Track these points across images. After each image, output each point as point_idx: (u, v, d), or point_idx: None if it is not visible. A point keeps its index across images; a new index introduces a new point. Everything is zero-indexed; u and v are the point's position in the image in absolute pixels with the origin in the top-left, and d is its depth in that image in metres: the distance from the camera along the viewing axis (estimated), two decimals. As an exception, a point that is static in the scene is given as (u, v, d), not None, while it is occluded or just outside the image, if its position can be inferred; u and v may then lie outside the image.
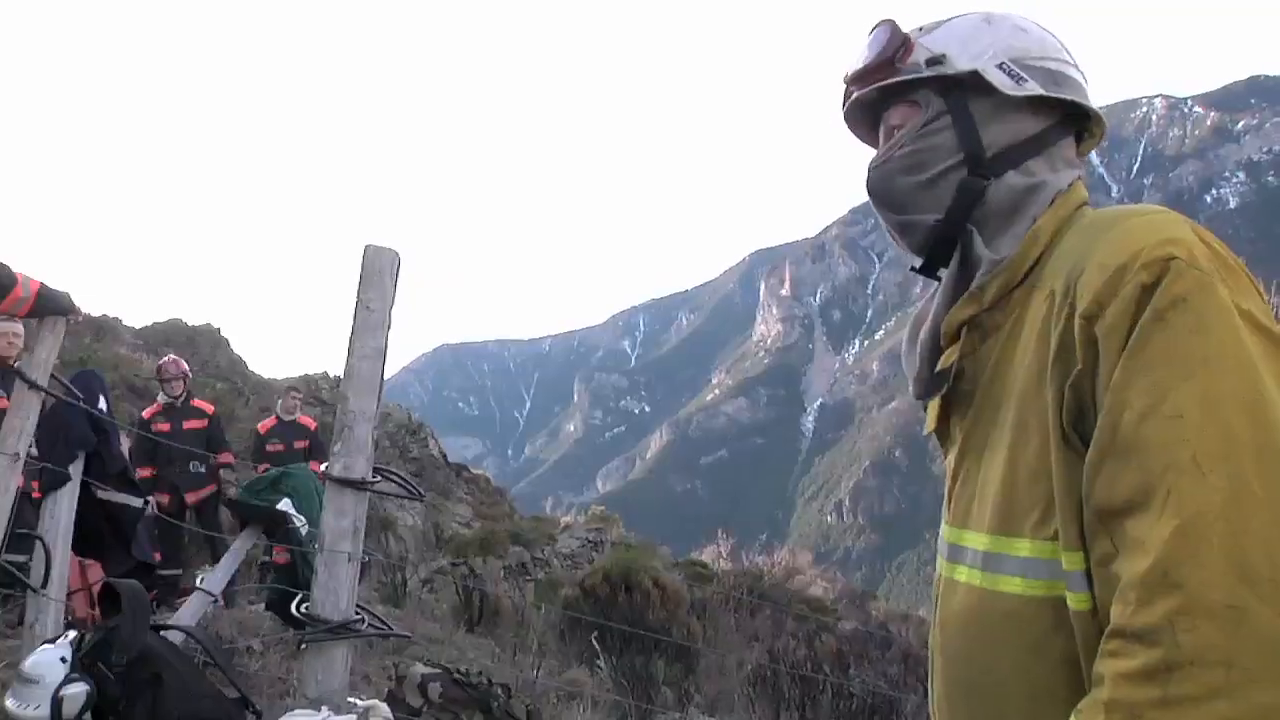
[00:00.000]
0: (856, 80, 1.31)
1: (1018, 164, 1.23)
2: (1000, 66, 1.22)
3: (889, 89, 1.28)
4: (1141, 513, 0.94)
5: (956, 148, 1.23)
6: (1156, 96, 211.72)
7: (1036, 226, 1.19)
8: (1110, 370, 0.99)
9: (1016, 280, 1.18)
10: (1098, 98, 1.30)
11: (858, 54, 1.31)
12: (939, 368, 1.24)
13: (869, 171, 1.30)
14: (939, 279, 1.29)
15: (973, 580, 1.16)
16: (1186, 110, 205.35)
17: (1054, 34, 1.28)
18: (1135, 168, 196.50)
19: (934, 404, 1.29)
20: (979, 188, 1.22)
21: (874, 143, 1.37)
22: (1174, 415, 0.94)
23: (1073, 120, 1.27)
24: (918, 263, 1.32)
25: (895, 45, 1.26)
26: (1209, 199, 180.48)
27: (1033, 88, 1.21)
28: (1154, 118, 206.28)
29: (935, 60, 1.24)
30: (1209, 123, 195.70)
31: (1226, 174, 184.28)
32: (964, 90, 1.24)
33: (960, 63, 1.23)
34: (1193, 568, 0.89)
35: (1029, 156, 1.23)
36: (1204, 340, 0.96)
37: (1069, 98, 1.24)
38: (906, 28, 1.29)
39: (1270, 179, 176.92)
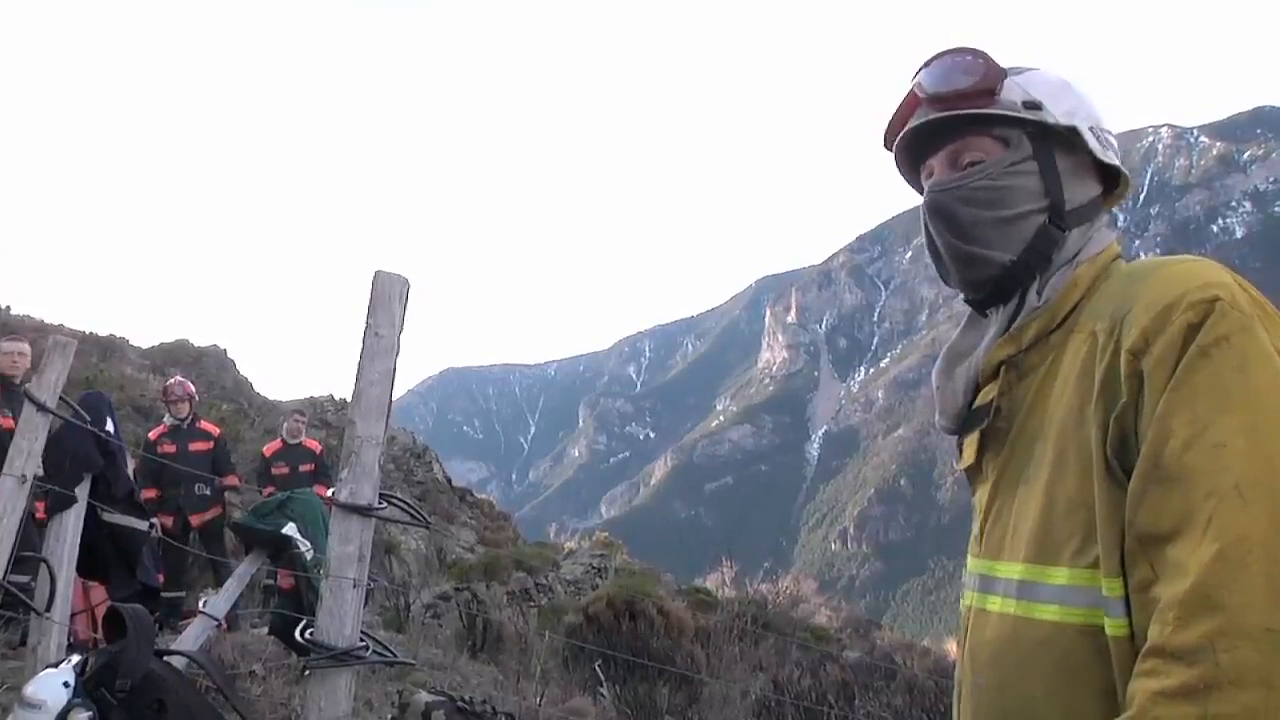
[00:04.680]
0: (944, 100, 1.28)
1: (1082, 223, 1.27)
2: (1092, 129, 1.27)
3: (972, 117, 1.28)
4: (1183, 538, 0.97)
5: (1041, 194, 1.26)
6: (1163, 126, 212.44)
7: (1076, 274, 1.24)
8: (1155, 402, 1.03)
9: (1054, 324, 1.22)
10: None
11: (938, 74, 1.29)
12: (976, 404, 1.28)
13: (935, 192, 1.30)
14: (985, 315, 1.32)
15: (1006, 609, 1.18)
16: (1192, 140, 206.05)
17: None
18: (1141, 197, 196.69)
19: (971, 440, 1.31)
20: (1058, 238, 1.26)
21: (906, 159, 1.36)
22: (1217, 444, 0.98)
23: (1111, 183, 1.32)
24: (968, 296, 1.33)
25: (997, 77, 1.27)
26: (1215, 229, 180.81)
27: (1112, 156, 1.28)
28: (1160, 147, 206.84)
29: (1033, 105, 1.26)
30: (1215, 153, 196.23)
31: (1233, 204, 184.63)
32: (1053, 141, 1.26)
33: (1058, 114, 1.26)
34: (1233, 590, 0.92)
35: (1091, 217, 1.28)
36: (1245, 377, 1.00)
37: (1122, 166, 1.30)
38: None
39: (1277, 209, 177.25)
